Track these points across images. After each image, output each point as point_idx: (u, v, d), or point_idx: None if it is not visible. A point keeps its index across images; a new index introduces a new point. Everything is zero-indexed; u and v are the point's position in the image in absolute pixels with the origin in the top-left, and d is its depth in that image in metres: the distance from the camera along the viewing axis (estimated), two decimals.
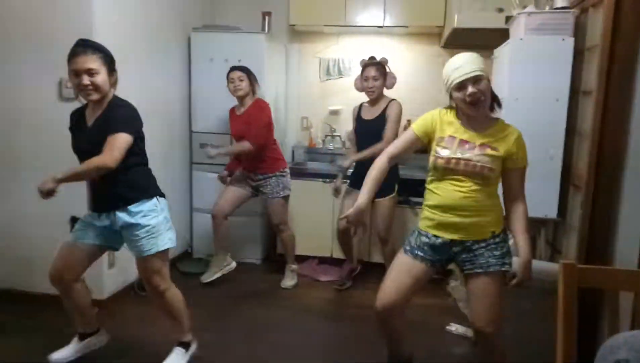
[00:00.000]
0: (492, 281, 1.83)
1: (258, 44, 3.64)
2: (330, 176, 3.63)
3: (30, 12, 2.73)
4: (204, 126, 3.75)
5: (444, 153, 1.83)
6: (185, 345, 2.33)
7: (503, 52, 2.75)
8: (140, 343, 2.53)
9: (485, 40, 3.36)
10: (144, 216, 2.09)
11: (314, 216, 3.75)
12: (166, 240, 2.16)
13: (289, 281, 3.44)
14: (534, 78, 2.52)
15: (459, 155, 1.80)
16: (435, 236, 1.89)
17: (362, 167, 3.19)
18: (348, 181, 3.33)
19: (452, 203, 1.83)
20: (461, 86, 1.75)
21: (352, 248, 3.46)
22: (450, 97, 1.84)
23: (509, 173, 1.85)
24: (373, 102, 3.16)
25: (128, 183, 2.09)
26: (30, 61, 2.76)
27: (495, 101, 1.87)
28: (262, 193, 3.31)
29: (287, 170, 3.38)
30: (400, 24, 3.75)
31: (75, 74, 1.96)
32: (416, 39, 4.02)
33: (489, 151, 1.80)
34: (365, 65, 3.12)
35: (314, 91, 4.27)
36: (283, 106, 4.19)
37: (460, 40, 3.58)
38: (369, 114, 3.17)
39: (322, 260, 3.82)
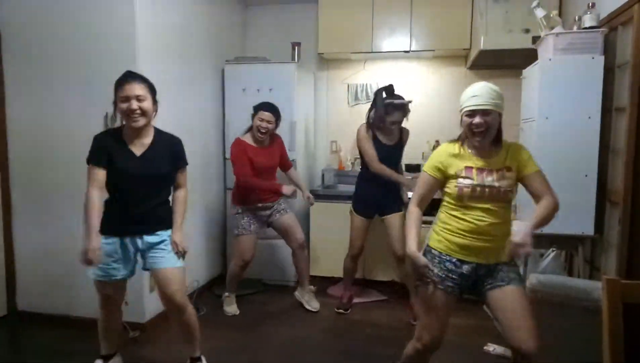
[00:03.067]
0: (517, 290, 1.85)
1: (288, 73, 3.77)
2: None
3: (76, 45, 2.91)
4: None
5: (467, 181, 1.87)
6: (198, 360, 2.41)
7: (532, 72, 2.78)
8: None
9: (511, 61, 3.41)
10: (168, 235, 2.26)
11: (344, 238, 3.77)
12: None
13: (315, 302, 3.46)
14: (565, 97, 2.54)
15: (483, 183, 1.85)
16: (460, 261, 1.90)
17: (366, 196, 3.28)
18: (351, 205, 3.35)
19: (481, 229, 1.86)
20: (471, 114, 1.84)
21: (355, 274, 3.50)
22: (461, 119, 1.91)
23: (527, 181, 1.88)
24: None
25: (164, 212, 2.26)
26: (76, 94, 2.93)
27: (499, 135, 1.91)
28: (277, 214, 3.32)
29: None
30: (427, 48, 3.82)
31: (124, 100, 2.08)
32: (442, 61, 4.09)
33: (507, 173, 1.86)
34: (392, 108, 3.06)
35: (342, 115, 4.37)
36: (312, 131, 4.29)
37: (487, 61, 3.63)
38: (386, 139, 3.19)
39: (354, 282, 3.83)
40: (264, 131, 3.17)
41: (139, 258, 2.29)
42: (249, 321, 3.21)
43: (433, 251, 1.96)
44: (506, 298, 1.85)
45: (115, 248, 2.20)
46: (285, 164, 3.42)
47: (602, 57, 2.48)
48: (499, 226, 1.86)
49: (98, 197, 2.11)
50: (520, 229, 1.74)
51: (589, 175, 2.52)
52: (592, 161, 2.52)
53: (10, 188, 3.13)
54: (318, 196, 3.90)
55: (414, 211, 1.97)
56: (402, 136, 3.22)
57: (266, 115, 3.17)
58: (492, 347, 2.75)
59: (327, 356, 2.74)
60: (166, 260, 2.20)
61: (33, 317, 3.11)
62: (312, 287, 3.53)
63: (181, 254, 2.24)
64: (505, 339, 1.88)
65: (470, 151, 1.92)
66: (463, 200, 1.88)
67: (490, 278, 1.89)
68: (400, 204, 3.24)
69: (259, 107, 3.20)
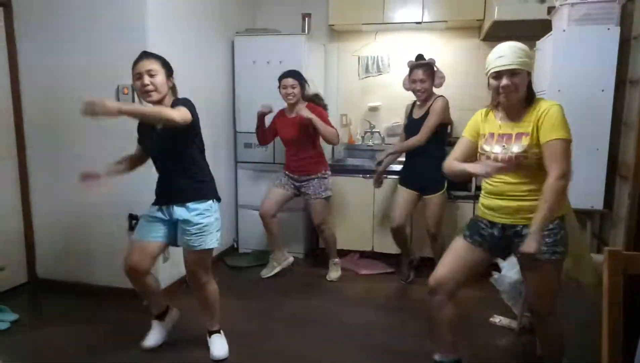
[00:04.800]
0: (543, 267, 1.83)
1: (298, 45, 3.74)
2: (370, 172, 3.70)
3: (87, 18, 2.92)
4: (247, 126, 3.88)
5: (486, 148, 1.90)
6: (216, 333, 2.49)
7: (546, 44, 2.72)
8: (190, 332, 2.68)
9: (526, 32, 3.33)
10: (198, 214, 2.24)
11: (354, 211, 3.82)
12: (214, 240, 2.30)
13: (334, 273, 3.55)
14: (578, 69, 2.49)
15: (496, 150, 1.86)
16: (490, 222, 1.93)
17: (410, 165, 3.29)
18: (398, 177, 3.40)
19: (497, 189, 1.89)
20: (498, 75, 1.80)
21: (407, 241, 3.51)
22: (488, 82, 1.87)
23: (542, 150, 1.78)
24: (423, 102, 3.18)
25: (192, 181, 2.26)
26: (87, 64, 2.96)
27: (530, 94, 1.86)
28: (305, 194, 3.41)
29: (329, 172, 3.47)
30: (440, 19, 3.75)
31: (137, 77, 2.14)
32: (455, 33, 4.01)
33: (524, 138, 1.82)
34: (413, 66, 3.12)
35: (353, 88, 4.34)
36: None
37: (501, 32, 3.54)
38: (417, 113, 3.22)
39: (363, 254, 3.89)
40: (291, 98, 3.22)
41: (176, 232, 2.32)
42: (260, 291, 3.30)
43: (473, 216, 2.06)
44: (530, 273, 1.89)
45: (154, 213, 2.30)
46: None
47: (618, 28, 2.41)
48: (521, 185, 1.84)
49: (134, 155, 2.34)
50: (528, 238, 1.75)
51: (600, 149, 2.49)
52: (604, 135, 2.49)
53: (27, 157, 3.20)
54: None
55: (449, 163, 2.00)
56: (432, 106, 3.10)
57: (289, 81, 3.21)
58: (497, 319, 2.80)
59: (336, 326, 2.82)
60: (192, 242, 2.25)
61: (53, 284, 3.23)
62: (335, 260, 3.60)
63: (89, 110, 1.82)
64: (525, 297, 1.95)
65: (498, 115, 1.92)
66: None
67: (518, 245, 1.84)
68: (442, 184, 3.18)
69: (280, 77, 3.26)
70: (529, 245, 1.73)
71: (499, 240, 1.93)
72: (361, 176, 3.80)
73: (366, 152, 4.28)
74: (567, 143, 1.77)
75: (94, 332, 2.61)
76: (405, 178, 3.33)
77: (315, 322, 2.85)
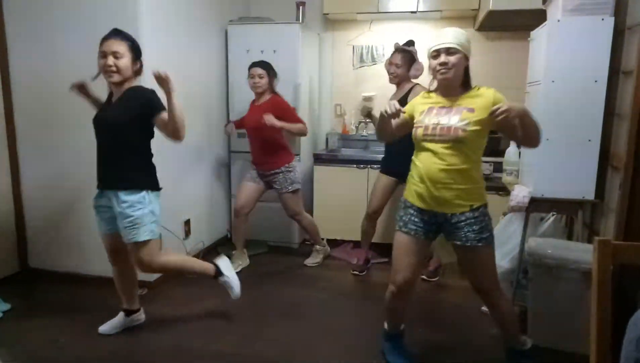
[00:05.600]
0: (473, 252, 1.92)
1: (292, 34, 3.72)
2: (364, 162, 3.70)
3: (77, 3, 2.88)
4: (241, 115, 3.86)
5: (422, 122, 1.93)
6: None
7: (540, 35, 2.71)
8: (183, 320, 2.69)
9: (521, 22, 3.32)
10: (129, 206, 2.21)
11: (347, 201, 3.83)
12: (147, 232, 2.25)
13: (311, 259, 3.61)
14: (572, 60, 2.49)
15: (434, 121, 1.90)
16: (420, 209, 1.98)
17: (391, 154, 3.28)
18: (379, 166, 3.39)
19: (431, 174, 1.90)
20: (436, 54, 1.88)
21: (373, 235, 3.50)
22: (429, 65, 1.94)
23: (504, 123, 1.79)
24: (397, 87, 3.22)
25: (128, 168, 2.24)
26: (77, 51, 2.90)
27: (467, 79, 1.94)
28: (273, 188, 3.41)
29: (294, 164, 3.43)
30: (435, 9, 3.74)
31: (103, 55, 2.15)
32: (450, 22, 3.99)
33: (464, 112, 1.87)
34: (394, 50, 3.17)
35: (347, 78, 4.32)
36: (317, 94, 4.26)
37: (496, 22, 3.54)
38: (393, 98, 3.21)
39: (356, 244, 3.90)
40: (258, 87, 3.25)
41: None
42: (255, 280, 3.30)
43: (402, 198, 2.09)
44: (463, 257, 1.98)
45: (101, 202, 2.32)
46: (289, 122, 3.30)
47: (612, 19, 2.41)
48: (453, 172, 1.87)
49: None
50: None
51: (592, 140, 2.50)
52: (596, 125, 2.49)
53: (17, 147, 3.17)
54: (322, 160, 3.92)
55: None
56: (409, 93, 3.10)
57: (257, 70, 3.24)
58: None
59: (330, 314, 2.84)
60: (125, 234, 2.25)
61: (45, 274, 3.23)
62: (317, 246, 3.64)
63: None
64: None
65: (436, 94, 1.98)
66: (418, 141, 1.95)
67: (450, 235, 1.97)
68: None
69: (250, 66, 3.29)
70: (510, 106, 1.73)
71: (430, 224, 2.00)
72: (355, 166, 3.80)
73: (360, 142, 4.27)
74: None
75: (86, 322, 2.61)
76: (385, 166, 3.33)
77: (310, 311, 2.86)
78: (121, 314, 2.57)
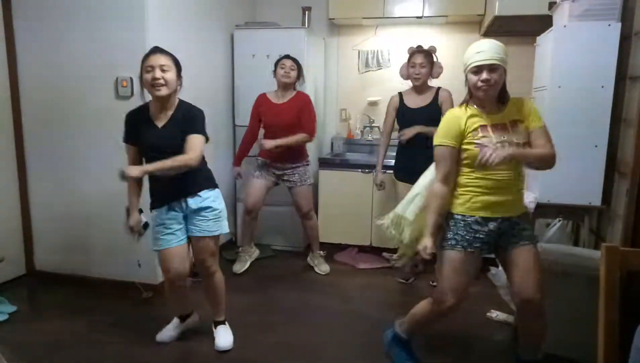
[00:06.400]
0: (532, 252, 1.90)
1: (298, 38, 3.73)
2: (369, 167, 3.70)
3: (86, 8, 2.90)
4: (247, 120, 3.84)
5: (487, 141, 1.84)
6: (222, 324, 2.51)
7: (546, 40, 2.72)
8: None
9: (526, 27, 3.33)
10: (214, 200, 2.29)
11: (352, 206, 3.83)
12: (226, 225, 2.36)
13: (324, 266, 3.56)
14: (579, 65, 2.49)
15: (501, 139, 1.83)
16: (484, 218, 1.89)
17: (405, 158, 3.20)
18: (392, 171, 3.32)
19: (499, 183, 1.86)
20: (477, 70, 1.81)
21: None
22: (466, 78, 1.88)
23: (531, 136, 1.87)
24: (418, 89, 3.13)
25: (201, 173, 2.29)
26: (86, 55, 2.94)
27: (504, 92, 1.90)
28: (289, 182, 3.39)
29: (310, 161, 3.50)
30: (440, 14, 3.74)
31: (149, 70, 2.11)
32: (455, 28, 4.00)
33: (520, 126, 1.86)
34: (413, 52, 3.12)
35: (352, 83, 4.33)
36: (322, 99, 4.27)
37: (501, 28, 3.54)
38: (416, 102, 3.15)
39: (361, 249, 3.90)
40: (287, 78, 3.23)
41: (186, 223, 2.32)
42: (259, 284, 3.30)
43: (456, 216, 1.94)
44: (528, 256, 1.89)
45: (164, 218, 2.27)
46: (302, 125, 3.27)
47: (619, 24, 2.41)
48: (518, 179, 1.91)
49: (132, 162, 2.25)
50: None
51: (599, 146, 2.49)
52: (603, 131, 2.49)
53: (24, 149, 3.20)
54: (327, 165, 3.93)
55: (437, 189, 1.92)
56: (438, 97, 3.08)
57: (287, 62, 3.23)
58: (495, 314, 2.81)
59: (335, 319, 2.83)
60: (210, 227, 2.28)
61: (51, 277, 3.24)
62: (321, 252, 3.62)
63: (123, 178, 2.12)
64: (512, 293, 1.95)
65: (478, 110, 1.90)
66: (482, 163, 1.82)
67: (517, 237, 1.91)
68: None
69: (280, 59, 3.27)
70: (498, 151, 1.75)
71: (494, 234, 1.92)
72: (360, 170, 3.80)
73: (365, 147, 4.27)
74: None
75: (92, 325, 2.61)
76: (403, 172, 3.20)
77: (315, 316, 2.86)
78: (176, 320, 2.56)
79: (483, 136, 1.85)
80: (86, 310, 2.84)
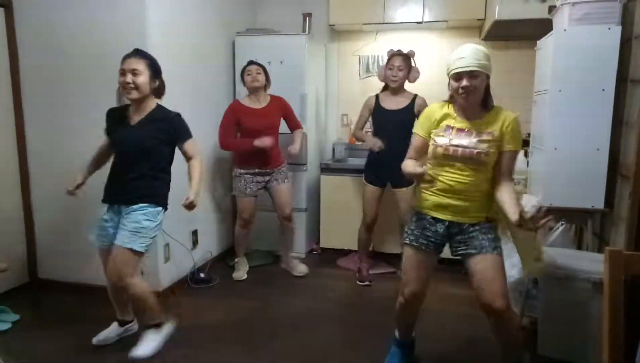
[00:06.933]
0: (488, 259, 1.91)
1: (299, 44, 3.75)
2: None
3: (86, 17, 2.91)
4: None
5: (442, 141, 1.91)
6: (157, 326, 2.43)
7: (546, 44, 2.72)
8: (191, 331, 2.68)
9: (527, 32, 3.33)
10: (143, 214, 2.27)
11: (354, 211, 3.82)
12: (143, 244, 2.27)
13: (302, 266, 3.59)
14: (579, 69, 2.49)
15: (455, 142, 1.88)
16: (434, 219, 1.98)
17: (376, 163, 3.31)
18: (363, 175, 3.42)
19: (450, 187, 1.92)
20: (458, 76, 1.83)
21: (369, 244, 3.55)
22: (449, 83, 1.91)
23: (501, 154, 1.91)
24: (394, 92, 3.23)
25: (151, 185, 2.31)
26: (86, 65, 2.95)
27: (487, 98, 1.92)
28: (276, 181, 3.42)
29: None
30: (440, 19, 3.75)
31: (121, 73, 2.22)
32: (456, 32, 4.01)
33: (484, 137, 1.87)
34: (392, 54, 3.21)
35: (353, 88, 4.34)
36: (323, 104, 4.28)
37: (501, 32, 3.55)
38: (391, 104, 3.24)
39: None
40: (256, 82, 3.27)
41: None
42: (260, 291, 3.30)
43: (417, 212, 2.08)
44: (477, 265, 1.92)
45: (110, 216, 2.33)
46: (292, 124, 3.48)
47: (619, 28, 2.41)
48: (474, 186, 1.91)
49: (101, 150, 2.45)
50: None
51: (600, 149, 2.49)
52: (604, 134, 2.48)
53: (27, 160, 3.21)
54: (329, 170, 3.93)
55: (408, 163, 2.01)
56: (414, 104, 3.19)
57: (253, 68, 3.29)
58: None
59: (337, 326, 2.82)
60: (124, 237, 2.23)
61: (54, 285, 3.23)
62: (293, 254, 3.68)
63: (190, 209, 2.30)
64: (478, 301, 1.95)
65: (457, 112, 1.95)
66: (437, 158, 1.94)
67: (464, 244, 1.96)
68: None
69: (245, 66, 3.34)
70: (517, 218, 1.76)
71: (442, 236, 2.00)
72: (361, 176, 3.79)
73: (366, 152, 4.25)
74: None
75: (95, 333, 2.60)
76: (370, 176, 3.36)
77: (317, 321, 2.85)
78: (115, 324, 2.58)
79: (442, 136, 1.92)
80: (89, 318, 2.83)
